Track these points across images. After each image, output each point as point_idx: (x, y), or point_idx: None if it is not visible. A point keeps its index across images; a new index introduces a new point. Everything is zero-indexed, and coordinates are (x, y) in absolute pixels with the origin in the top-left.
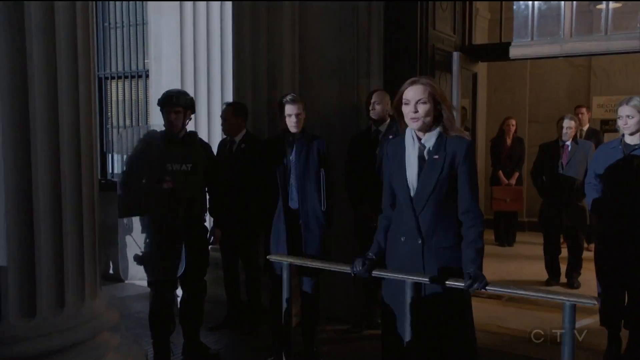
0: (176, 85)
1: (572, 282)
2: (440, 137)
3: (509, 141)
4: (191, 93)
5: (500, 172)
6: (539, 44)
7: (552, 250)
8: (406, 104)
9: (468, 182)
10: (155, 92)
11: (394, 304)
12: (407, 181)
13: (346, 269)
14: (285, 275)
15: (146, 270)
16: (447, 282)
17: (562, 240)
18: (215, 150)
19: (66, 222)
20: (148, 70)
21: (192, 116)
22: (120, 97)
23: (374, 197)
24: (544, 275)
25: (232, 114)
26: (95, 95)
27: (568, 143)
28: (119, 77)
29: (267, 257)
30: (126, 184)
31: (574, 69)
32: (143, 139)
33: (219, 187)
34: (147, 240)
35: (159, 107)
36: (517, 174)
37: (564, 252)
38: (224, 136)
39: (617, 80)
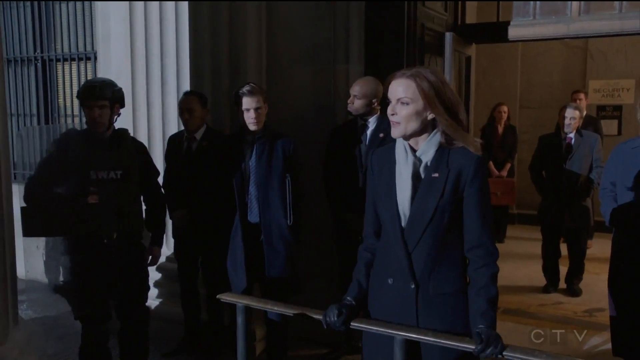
0: (126, 70)
1: (573, 289)
2: (440, 148)
3: (500, 129)
4: (142, 79)
5: (491, 163)
6: (542, 24)
7: (552, 254)
8: (389, 102)
9: (478, 209)
10: (105, 77)
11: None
12: (396, 206)
13: (317, 316)
14: (240, 321)
15: (70, 303)
16: (450, 343)
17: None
18: (158, 148)
19: None
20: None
21: (122, 111)
22: (68, 82)
23: (361, 204)
24: (540, 278)
25: (199, 105)
26: (4, 82)
27: (571, 135)
28: (66, 60)
29: (217, 296)
30: (33, 196)
31: (570, 50)
32: (59, 140)
33: (158, 196)
34: (69, 266)
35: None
36: (509, 165)
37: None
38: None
39: (615, 63)
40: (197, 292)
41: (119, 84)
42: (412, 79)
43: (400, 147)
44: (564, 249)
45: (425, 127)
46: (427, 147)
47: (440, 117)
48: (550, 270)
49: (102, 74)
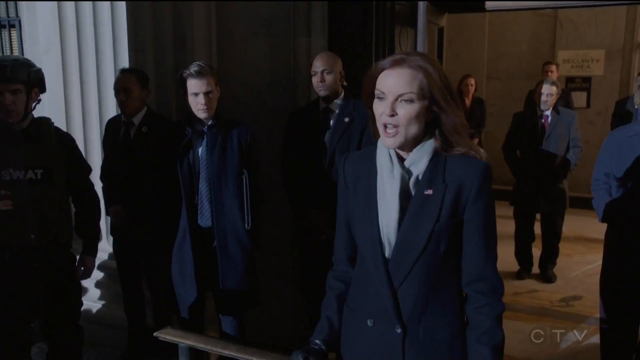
0: (56, 40)
1: (547, 275)
2: (435, 156)
3: (467, 102)
4: (74, 52)
5: None
6: None
7: (525, 238)
8: (380, 98)
9: (481, 234)
10: (31, 48)
11: None
12: (378, 232)
13: None
14: None
15: None
16: None
17: None
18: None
19: None
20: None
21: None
22: None
23: (325, 199)
24: (512, 262)
25: (137, 84)
26: None
27: (547, 113)
28: None
29: (155, 334)
30: None
31: (538, 18)
32: None
33: (90, 197)
34: None
35: None
36: (476, 140)
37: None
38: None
39: (585, 33)
40: (142, 294)
41: (49, 56)
42: (417, 69)
43: (384, 154)
44: (536, 228)
45: (423, 131)
46: (419, 156)
47: (447, 114)
48: (523, 255)
49: (28, 45)
